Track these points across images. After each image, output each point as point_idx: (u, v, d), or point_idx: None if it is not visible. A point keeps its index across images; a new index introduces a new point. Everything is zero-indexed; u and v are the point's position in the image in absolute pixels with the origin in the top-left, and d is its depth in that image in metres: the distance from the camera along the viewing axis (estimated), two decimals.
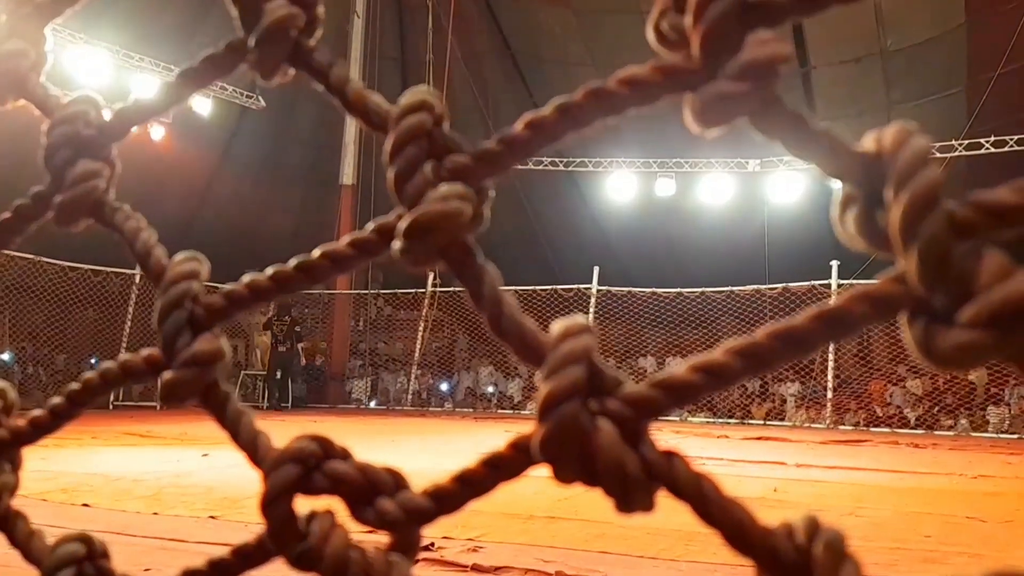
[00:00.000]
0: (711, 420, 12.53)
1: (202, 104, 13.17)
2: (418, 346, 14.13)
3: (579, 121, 0.50)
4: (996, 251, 0.41)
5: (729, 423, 12.18)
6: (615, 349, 14.42)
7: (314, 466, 0.53)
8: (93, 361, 12.84)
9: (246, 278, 0.59)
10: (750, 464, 6.06)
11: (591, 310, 12.89)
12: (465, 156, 0.53)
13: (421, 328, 14.18)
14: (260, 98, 13.68)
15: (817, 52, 13.58)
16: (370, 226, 0.56)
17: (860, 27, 13.06)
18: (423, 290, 14.26)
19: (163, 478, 4.75)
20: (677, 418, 12.43)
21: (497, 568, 2.70)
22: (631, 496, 0.45)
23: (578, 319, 0.49)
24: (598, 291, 13.01)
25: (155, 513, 3.56)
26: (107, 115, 0.67)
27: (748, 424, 12.08)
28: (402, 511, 0.51)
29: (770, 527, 0.43)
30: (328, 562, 0.51)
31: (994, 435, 10.73)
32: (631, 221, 14.97)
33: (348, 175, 15.09)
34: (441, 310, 14.46)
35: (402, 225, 0.50)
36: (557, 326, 0.48)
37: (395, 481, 0.53)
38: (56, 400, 0.65)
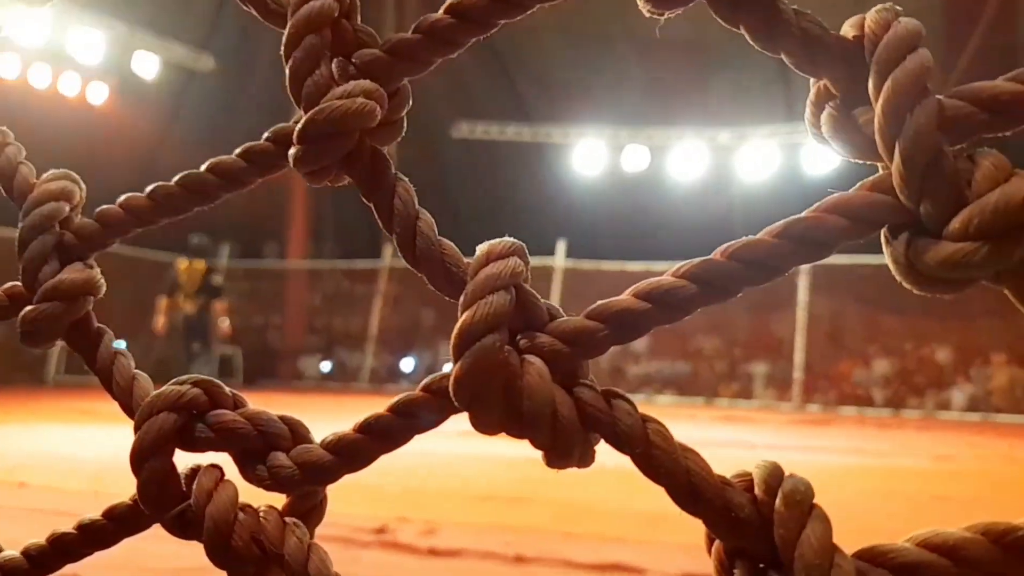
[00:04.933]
0: (678, 400, 12.61)
1: (146, 65, 12.52)
2: (374, 321, 13.95)
3: (516, 5, 0.42)
4: (992, 152, 0.34)
5: (696, 403, 12.27)
6: None
7: (196, 415, 0.45)
8: None
9: (122, 197, 0.51)
10: (716, 446, 6.08)
11: (559, 285, 12.80)
12: (376, 50, 0.45)
13: (380, 304, 14.01)
14: (210, 57, 13.08)
15: None
16: (266, 134, 0.47)
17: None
18: (381, 263, 14.07)
19: (106, 457, 4.58)
20: (643, 396, 12.49)
21: (454, 552, 2.64)
22: (563, 446, 0.38)
23: (507, 239, 0.41)
24: (564, 265, 12.91)
25: (96, 492, 3.43)
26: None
27: (716, 404, 12.18)
28: (298, 468, 0.44)
29: (726, 480, 0.37)
30: (211, 525, 0.43)
31: (959, 415, 10.98)
32: (598, 192, 14.88)
33: None
34: (401, 284, 14.28)
35: (298, 126, 0.42)
36: (482, 247, 0.41)
37: (294, 434, 0.46)
38: None
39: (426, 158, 14.81)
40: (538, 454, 0.39)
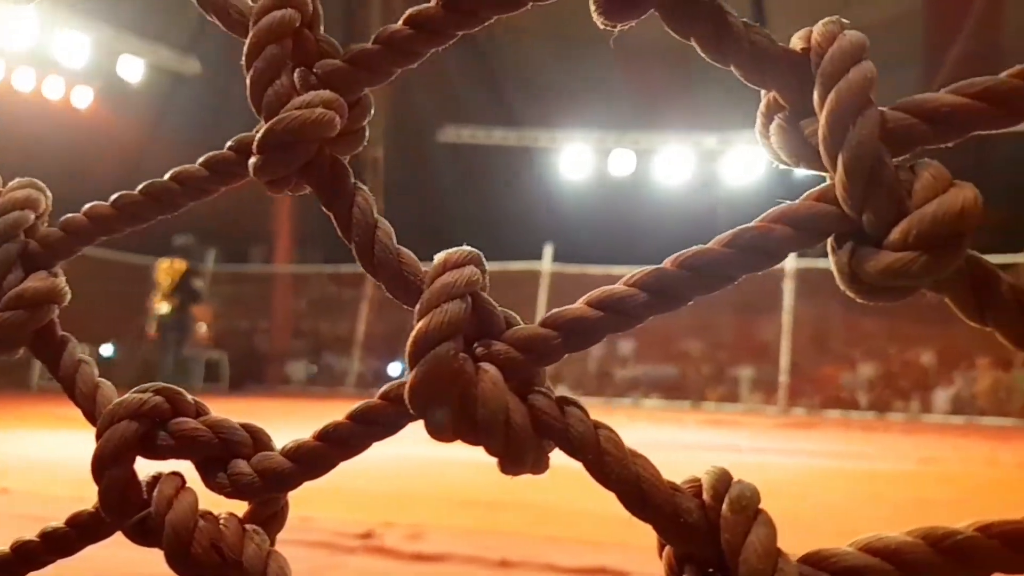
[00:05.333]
0: (665, 404, 12.60)
1: (131, 69, 12.39)
2: (361, 326, 13.90)
3: (471, 15, 0.42)
4: (933, 163, 0.35)
5: (683, 406, 12.27)
6: None
7: (158, 423, 0.46)
8: None
9: (86, 206, 0.51)
10: (703, 450, 6.07)
11: (545, 289, 12.79)
12: (337, 61, 0.45)
13: (366, 309, 13.96)
14: (196, 61, 12.96)
15: (777, 29, 13.65)
16: (229, 143, 0.48)
17: (820, 2, 13.15)
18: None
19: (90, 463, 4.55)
20: (630, 400, 12.50)
21: (440, 556, 2.63)
22: (515, 452, 0.38)
23: (464, 248, 0.42)
24: (551, 270, 12.91)
25: (80, 498, 3.40)
26: None
27: (702, 408, 12.19)
28: (258, 475, 0.44)
29: (675, 485, 0.37)
30: (171, 532, 0.43)
31: (943, 418, 11.04)
32: (585, 196, 14.89)
33: None
34: None
35: (257, 135, 0.42)
36: (439, 256, 0.41)
37: (256, 442, 0.46)
38: None
39: (412, 162, 14.78)
40: None
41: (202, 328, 9.33)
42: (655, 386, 13.03)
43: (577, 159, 14.45)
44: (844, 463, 5.64)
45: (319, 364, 14.60)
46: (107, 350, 12.28)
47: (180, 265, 8.97)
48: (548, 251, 12.96)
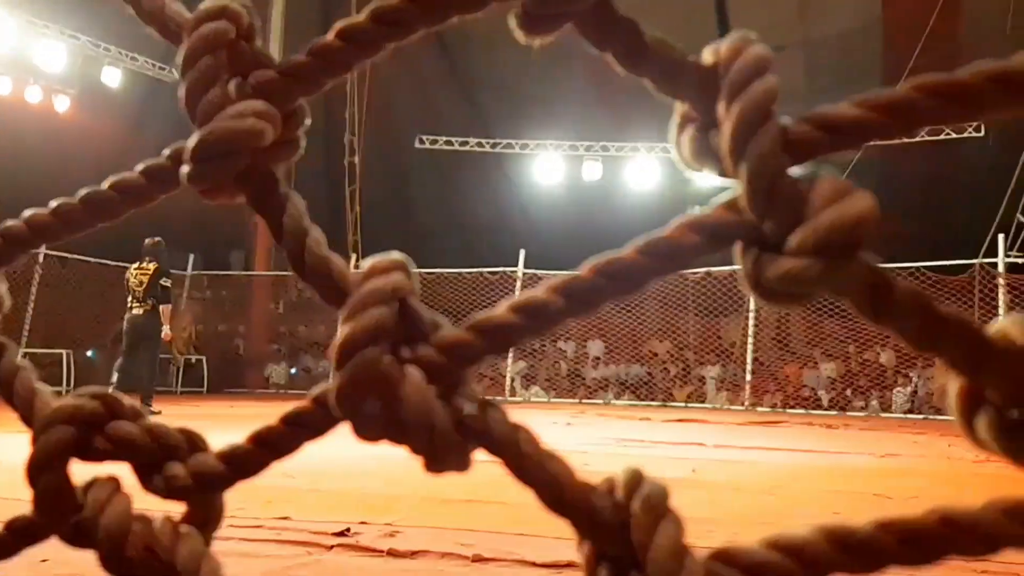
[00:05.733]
0: (634, 403, 12.72)
1: (111, 75, 12.35)
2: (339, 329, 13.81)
3: (399, 27, 0.43)
4: (833, 173, 0.37)
5: (651, 405, 12.38)
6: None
7: (94, 427, 0.46)
8: None
9: (26, 213, 0.51)
10: (670, 446, 6.13)
11: (519, 293, 12.82)
12: (271, 71, 0.46)
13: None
14: (175, 70, 12.91)
15: None
16: (166, 151, 0.49)
17: (783, 15, 13.34)
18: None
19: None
20: (601, 401, 12.57)
21: (414, 553, 2.63)
22: (439, 453, 0.39)
23: (393, 254, 0.43)
24: (524, 274, 12.99)
25: None
26: None
27: (670, 406, 12.31)
28: (192, 477, 0.45)
29: (590, 484, 0.39)
30: (104, 535, 0.44)
31: (902, 415, 11.22)
32: (558, 204, 15.02)
33: None
34: None
35: (190, 144, 0.43)
36: (366, 262, 0.42)
37: (190, 444, 0.47)
38: None
39: (389, 169, 14.78)
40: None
41: (166, 330, 9.04)
42: (625, 386, 13.14)
43: (550, 166, 14.60)
44: (807, 459, 5.72)
45: (298, 366, 14.52)
46: (92, 354, 12.17)
47: (149, 267, 8.81)
48: (522, 256, 13.05)
